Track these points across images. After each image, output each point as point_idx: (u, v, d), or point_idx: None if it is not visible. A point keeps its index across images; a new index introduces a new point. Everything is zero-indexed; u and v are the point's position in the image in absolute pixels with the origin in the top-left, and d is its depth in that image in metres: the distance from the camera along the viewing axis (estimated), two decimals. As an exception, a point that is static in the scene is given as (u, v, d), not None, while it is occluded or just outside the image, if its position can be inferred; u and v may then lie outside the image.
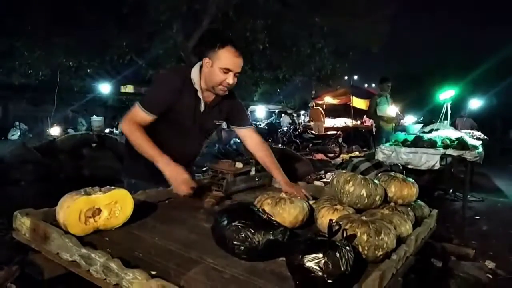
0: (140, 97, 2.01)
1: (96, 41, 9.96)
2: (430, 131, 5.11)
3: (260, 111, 22.99)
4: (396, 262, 1.19)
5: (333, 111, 16.84)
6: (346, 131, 13.07)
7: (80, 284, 1.18)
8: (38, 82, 11.54)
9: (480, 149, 4.26)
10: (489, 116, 13.94)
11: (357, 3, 11.06)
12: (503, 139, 14.13)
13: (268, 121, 18.96)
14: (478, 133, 6.07)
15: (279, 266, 1.17)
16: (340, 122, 15.06)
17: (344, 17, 10.97)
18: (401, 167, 4.14)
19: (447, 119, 5.62)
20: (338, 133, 11.39)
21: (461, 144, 4.17)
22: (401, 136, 4.75)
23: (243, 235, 1.19)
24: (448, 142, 4.29)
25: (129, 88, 19.70)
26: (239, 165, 2.15)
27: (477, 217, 4.76)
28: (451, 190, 5.75)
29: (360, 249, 1.20)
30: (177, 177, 1.79)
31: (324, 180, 5.62)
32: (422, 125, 6.77)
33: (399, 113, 7.37)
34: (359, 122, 15.04)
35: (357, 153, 9.57)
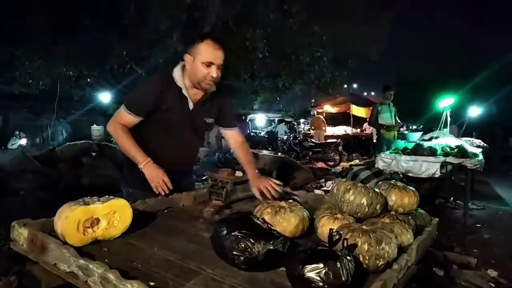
0: (125, 100, 2.04)
1: (96, 50, 10.01)
2: (430, 139, 5.11)
3: (259, 119, 22.98)
4: (398, 271, 1.18)
5: (333, 119, 16.87)
6: (346, 139, 13.08)
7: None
8: (39, 92, 11.57)
9: (480, 157, 4.26)
10: (489, 123, 13.96)
11: (356, 12, 11.16)
12: (503, 146, 14.13)
13: (268, 129, 18.96)
14: (478, 141, 6.07)
15: (279, 277, 1.15)
16: (340, 130, 15.08)
17: (343, 25, 11.06)
18: (401, 175, 4.14)
19: (446, 127, 5.62)
20: (338, 141, 11.39)
21: (461, 152, 4.18)
22: (401, 144, 4.75)
23: (243, 245, 1.18)
24: (448, 150, 4.29)
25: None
26: (238, 173, 2.14)
27: (478, 225, 4.74)
28: (452, 198, 5.74)
29: (361, 259, 1.18)
30: (155, 177, 1.89)
31: (324, 188, 5.60)
32: (422, 133, 6.78)
33: (398, 121, 7.39)
34: (359, 130, 15.06)
35: (357, 161, 9.54)
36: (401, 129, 7.83)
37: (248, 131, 16.06)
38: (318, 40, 10.79)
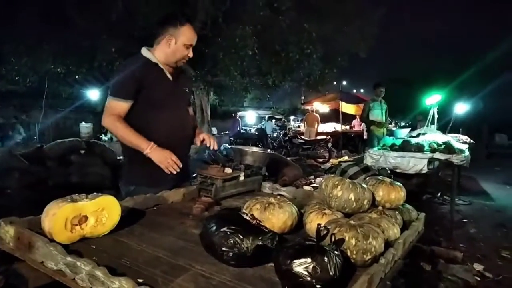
0: (108, 91, 2.07)
1: (84, 47, 9.88)
2: (418, 136, 5.16)
3: (250, 116, 23.01)
4: (384, 266, 1.20)
5: (323, 117, 16.95)
6: (335, 136, 13.15)
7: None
8: (26, 89, 11.40)
9: (467, 153, 4.32)
10: (475, 120, 14.15)
11: (345, 9, 11.19)
12: (489, 143, 14.36)
13: (258, 126, 18.98)
14: (464, 137, 6.16)
15: (268, 272, 1.16)
16: (330, 127, 15.15)
17: (333, 22, 11.09)
18: (389, 171, 4.18)
19: (434, 124, 5.69)
20: (327, 138, 11.45)
21: (448, 148, 4.23)
22: (389, 140, 4.79)
23: (232, 241, 1.19)
24: (435, 146, 4.34)
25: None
26: (228, 170, 2.14)
27: (464, 220, 4.81)
28: (439, 194, 5.82)
29: (349, 253, 1.20)
30: (164, 159, 1.96)
31: (314, 185, 5.62)
32: (409, 129, 6.85)
33: (388, 119, 7.46)
34: (348, 127, 15.14)
35: (346, 158, 9.61)
36: (390, 125, 7.91)
37: (238, 128, 16.04)
38: (307, 37, 10.80)
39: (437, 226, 4.33)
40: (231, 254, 1.18)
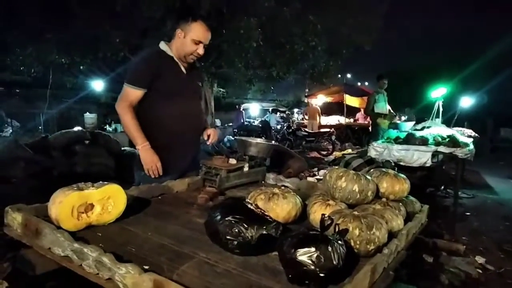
0: (126, 78, 2.13)
1: (89, 37, 9.86)
2: (422, 129, 5.13)
3: (254, 108, 22.95)
4: (388, 256, 1.21)
5: (327, 109, 16.89)
6: (339, 129, 13.12)
7: (72, 279, 1.17)
8: (31, 79, 11.41)
9: (471, 147, 4.30)
10: (480, 114, 14.05)
11: (350, 1, 11.09)
12: (494, 137, 14.27)
13: (262, 118, 18.94)
14: (469, 131, 6.12)
15: (272, 260, 1.18)
16: (334, 120, 15.10)
17: (338, 14, 10.99)
18: (393, 164, 4.16)
19: (438, 117, 5.65)
20: (331, 130, 11.43)
21: (453, 142, 4.21)
22: (393, 133, 4.77)
23: (236, 230, 1.20)
24: (440, 139, 4.32)
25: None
26: (232, 161, 2.15)
27: (467, 213, 4.81)
28: (442, 187, 5.80)
29: (352, 243, 1.21)
30: (150, 162, 2.05)
31: (317, 177, 5.63)
32: (414, 122, 6.81)
33: (391, 111, 7.43)
34: (352, 119, 15.09)
35: (350, 150, 9.59)
36: (396, 119, 7.88)
37: (242, 120, 16.03)
38: (312, 29, 10.70)
39: (440, 219, 4.33)
40: (235, 242, 1.19)
